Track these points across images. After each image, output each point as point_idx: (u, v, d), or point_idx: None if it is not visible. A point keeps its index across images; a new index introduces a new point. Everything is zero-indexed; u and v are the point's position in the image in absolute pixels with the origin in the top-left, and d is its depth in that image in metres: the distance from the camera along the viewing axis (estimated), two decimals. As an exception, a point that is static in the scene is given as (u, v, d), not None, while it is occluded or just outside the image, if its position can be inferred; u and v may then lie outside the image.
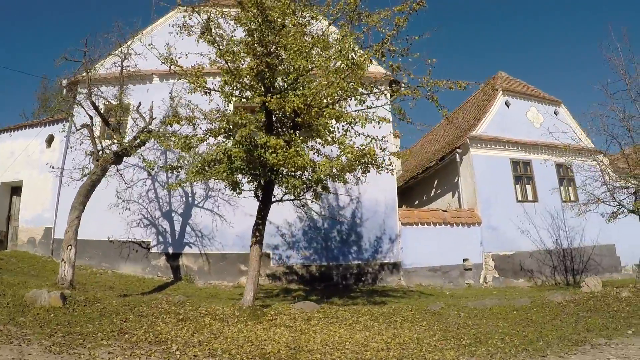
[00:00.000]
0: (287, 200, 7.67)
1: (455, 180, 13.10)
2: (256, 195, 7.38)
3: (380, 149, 7.61)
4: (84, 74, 9.04)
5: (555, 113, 14.33)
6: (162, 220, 11.27)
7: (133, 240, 11.07)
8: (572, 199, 13.51)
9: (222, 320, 6.60)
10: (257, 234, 7.18)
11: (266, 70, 6.35)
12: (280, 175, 6.48)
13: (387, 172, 7.65)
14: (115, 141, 9.20)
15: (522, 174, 13.33)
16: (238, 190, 7.34)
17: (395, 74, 6.40)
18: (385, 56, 6.34)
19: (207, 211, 11.23)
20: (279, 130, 7.08)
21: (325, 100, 6.47)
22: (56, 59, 8.89)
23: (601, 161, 10.25)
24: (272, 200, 7.43)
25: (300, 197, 7.64)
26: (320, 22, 6.72)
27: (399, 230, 11.57)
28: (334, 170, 6.56)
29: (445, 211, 12.15)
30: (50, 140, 11.86)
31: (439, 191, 14.15)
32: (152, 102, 9.77)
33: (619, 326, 6.25)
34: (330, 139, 6.44)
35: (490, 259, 12.13)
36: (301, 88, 6.37)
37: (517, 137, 13.30)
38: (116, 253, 11.04)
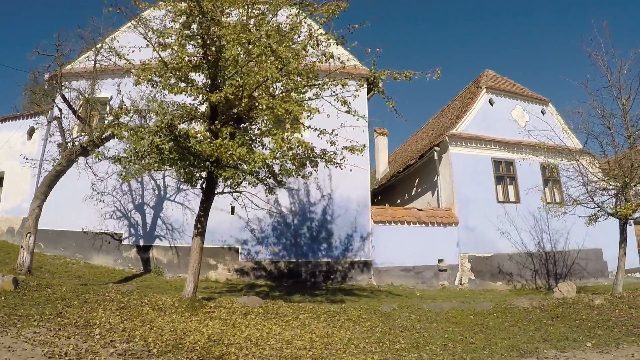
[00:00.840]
0: (226, 192, 7.63)
1: (435, 179, 12.84)
2: (202, 187, 7.37)
3: (331, 142, 7.51)
4: (59, 68, 9.24)
5: (543, 112, 13.91)
6: (135, 212, 11.39)
7: (106, 232, 11.23)
8: (558, 200, 13.06)
9: (160, 310, 6.64)
10: (199, 226, 7.17)
11: (204, 62, 6.34)
12: (218, 167, 6.43)
13: (337, 167, 7.50)
14: (83, 134, 9.36)
15: (505, 174, 12.96)
16: (193, 183, 7.36)
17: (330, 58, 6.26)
18: (320, 44, 6.23)
19: (179, 205, 11.30)
20: (228, 123, 7.06)
21: (267, 90, 6.42)
22: (27, 54, 9.14)
23: (579, 162, 9.87)
24: (215, 192, 7.40)
25: (240, 190, 7.58)
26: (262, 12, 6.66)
27: (371, 228, 11.40)
28: (271, 162, 6.45)
29: (421, 210, 11.91)
30: (31, 132, 12.16)
31: (419, 190, 13.89)
32: (116, 95, 9.85)
33: (580, 336, 5.91)
34: (263, 131, 6.35)
35: (466, 260, 11.83)
36: (238, 79, 6.32)
37: (501, 136, 12.95)
38: (89, 244, 11.22)
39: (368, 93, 12.51)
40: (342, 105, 6.85)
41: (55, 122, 9.55)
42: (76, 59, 10.59)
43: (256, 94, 6.19)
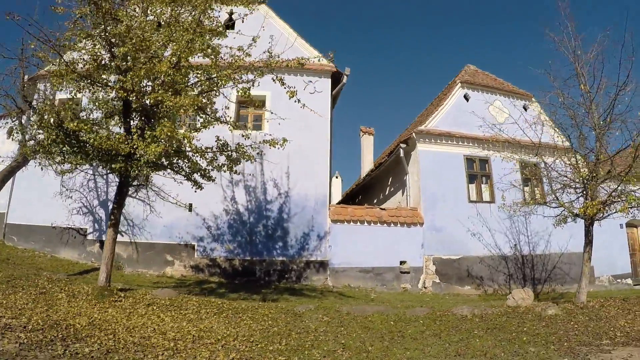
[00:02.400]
0: (136, 185, 7.66)
1: (405, 177, 12.33)
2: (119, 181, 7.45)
3: (245, 136, 7.39)
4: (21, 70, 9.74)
5: (525, 108, 13.05)
6: (99, 208, 11.73)
7: (72, 227, 11.62)
8: (539, 200, 12.16)
9: (72, 297, 6.81)
10: (112, 217, 7.24)
11: (110, 61, 6.43)
12: (110, 161, 6.48)
13: (247, 160, 7.36)
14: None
15: (478, 172, 12.24)
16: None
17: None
18: (204, 36, 6.16)
19: (140, 201, 11.51)
20: (141, 119, 7.12)
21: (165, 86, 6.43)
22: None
23: (542, 160, 9.15)
24: (130, 185, 7.44)
25: (144, 184, 7.61)
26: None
27: (328, 227, 11.09)
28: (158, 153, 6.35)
29: (384, 209, 11.46)
30: (10, 132, 12.82)
31: (392, 189, 13.41)
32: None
33: (502, 353, 5.32)
34: (164, 126, 6.31)
35: (430, 262, 11.23)
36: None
37: (476, 132, 12.24)
38: (57, 238, 11.65)
39: (333, 89, 12.27)
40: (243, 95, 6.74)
41: (17, 120, 10.05)
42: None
43: (149, 89, 6.20)
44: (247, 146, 7.53)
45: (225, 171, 7.99)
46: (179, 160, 7.32)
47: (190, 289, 9.38)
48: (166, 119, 6.34)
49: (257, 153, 7.45)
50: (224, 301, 7.38)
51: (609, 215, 8.57)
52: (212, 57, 6.89)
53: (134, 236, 11.40)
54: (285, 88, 6.68)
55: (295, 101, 6.89)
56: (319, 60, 9.60)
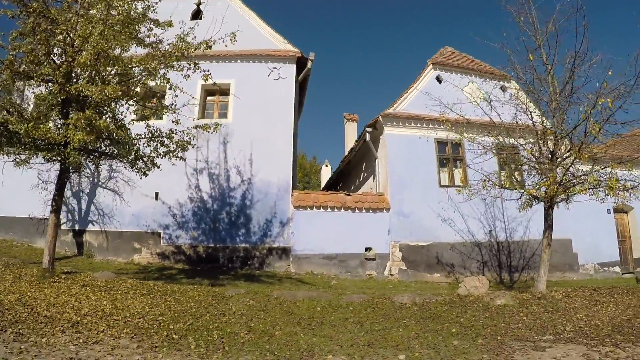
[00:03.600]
0: (74, 172, 7.80)
1: (375, 162, 12.04)
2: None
3: (175, 122, 7.38)
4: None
5: (503, 89, 12.44)
6: (72, 199, 12.03)
7: (47, 217, 11.96)
8: (517, 185, 11.60)
9: (17, 278, 7.08)
10: (54, 203, 7.46)
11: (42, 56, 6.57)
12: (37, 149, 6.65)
13: (182, 148, 7.38)
14: None
15: (450, 156, 11.80)
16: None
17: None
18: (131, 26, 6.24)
19: (109, 191, 11.74)
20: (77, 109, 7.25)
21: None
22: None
23: (516, 142, 8.70)
24: (69, 172, 7.62)
25: (76, 170, 7.74)
26: None
27: (291, 213, 10.96)
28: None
29: (349, 195, 11.21)
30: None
31: (365, 175, 13.14)
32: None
33: (419, 345, 5.02)
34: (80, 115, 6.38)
35: (397, 249, 10.91)
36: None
37: (447, 114, 11.78)
38: (34, 229, 12.03)
39: (298, 74, 12.10)
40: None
41: None
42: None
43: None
44: (179, 132, 7.53)
45: (170, 158, 8.05)
46: (112, 148, 7.40)
47: (149, 275, 9.49)
48: (91, 109, 6.45)
49: (189, 139, 7.45)
50: (157, 283, 7.43)
51: (569, 198, 8.06)
52: (148, 47, 6.96)
53: (104, 225, 11.63)
54: (201, 72, 6.61)
55: (212, 84, 6.83)
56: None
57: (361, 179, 13.51)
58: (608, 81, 6.84)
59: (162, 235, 11.24)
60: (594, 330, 5.61)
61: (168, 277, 9.27)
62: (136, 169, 7.98)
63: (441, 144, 11.76)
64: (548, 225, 8.19)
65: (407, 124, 11.63)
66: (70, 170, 7.77)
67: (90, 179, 12.06)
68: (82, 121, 6.00)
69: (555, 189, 7.71)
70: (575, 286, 9.04)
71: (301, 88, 13.11)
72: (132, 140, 7.22)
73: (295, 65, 12.03)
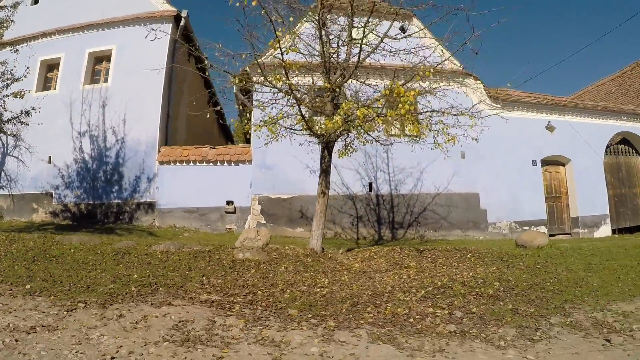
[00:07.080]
0: None
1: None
2: None
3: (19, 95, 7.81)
4: None
5: (403, 29, 11.21)
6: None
7: (-25, 185, 13.38)
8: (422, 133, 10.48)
9: None
10: None
11: None
12: None
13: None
14: None
15: (322, 103, 10.94)
16: None
17: None
18: None
19: (14, 158, 12.77)
20: None
21: None
22: None
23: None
24: None
25: None
26: None
27: (156, 169, 11.04)
28: None
29: (213, 148, 10.98)
30: None
31: (255, 134, 12.69)
32: None
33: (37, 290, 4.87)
34: None
35: (256, 202, 10.48)
36: None
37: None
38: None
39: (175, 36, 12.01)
40: None
41: None
42: None
43: None
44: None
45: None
46: None
47: (29, 230, 10.18)
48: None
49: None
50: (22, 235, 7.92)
51: (350, 137, 7.14)
52: None
53: (11, 189, 12.71)
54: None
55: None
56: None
57: (257, 137, 13.13)
58: None
59: (53, 195, 11.98)
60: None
61: (44, 230, 9.83)
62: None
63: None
64: (323, 170, 7.28)
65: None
66: None
67: (1, 149, 13.22)
68: None
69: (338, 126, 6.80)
70: (458, 247, 7.67)
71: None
72: None
73: (171, 25, 11.99)
